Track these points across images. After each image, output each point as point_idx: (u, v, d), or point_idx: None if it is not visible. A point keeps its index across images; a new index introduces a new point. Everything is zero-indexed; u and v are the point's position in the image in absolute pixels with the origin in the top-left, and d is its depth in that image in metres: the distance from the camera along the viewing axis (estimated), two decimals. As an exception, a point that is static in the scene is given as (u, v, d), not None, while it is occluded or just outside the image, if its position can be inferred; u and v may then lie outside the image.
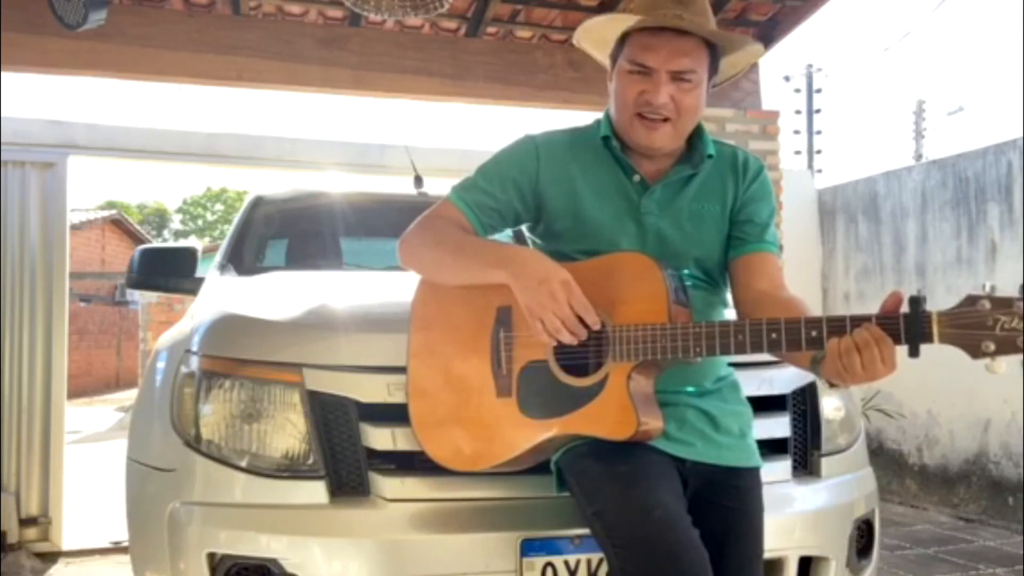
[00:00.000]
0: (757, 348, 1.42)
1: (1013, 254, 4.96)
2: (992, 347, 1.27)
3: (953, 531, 4.77)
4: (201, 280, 2.73)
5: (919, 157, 23.04)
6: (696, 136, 1.72)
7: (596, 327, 1.49)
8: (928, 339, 1.31)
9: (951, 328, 1.29)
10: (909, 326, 1.32)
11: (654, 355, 1.46)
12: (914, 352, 1.32)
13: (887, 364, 1.33)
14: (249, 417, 1.76)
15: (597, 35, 1.70)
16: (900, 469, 5.76)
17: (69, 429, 5.16)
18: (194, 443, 1.77)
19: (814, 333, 1.38)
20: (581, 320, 1.49)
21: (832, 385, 1.44)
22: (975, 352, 1.28)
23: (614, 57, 1.68)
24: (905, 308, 1.33)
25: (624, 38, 1.64)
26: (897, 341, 1.33)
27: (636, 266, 1.54)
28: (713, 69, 1.67)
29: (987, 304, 1.27)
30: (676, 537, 1.41)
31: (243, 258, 2.94)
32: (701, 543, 1.43)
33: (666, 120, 1.61)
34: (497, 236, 1.77)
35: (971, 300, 1.29)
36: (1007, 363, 1.28)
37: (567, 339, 1.49)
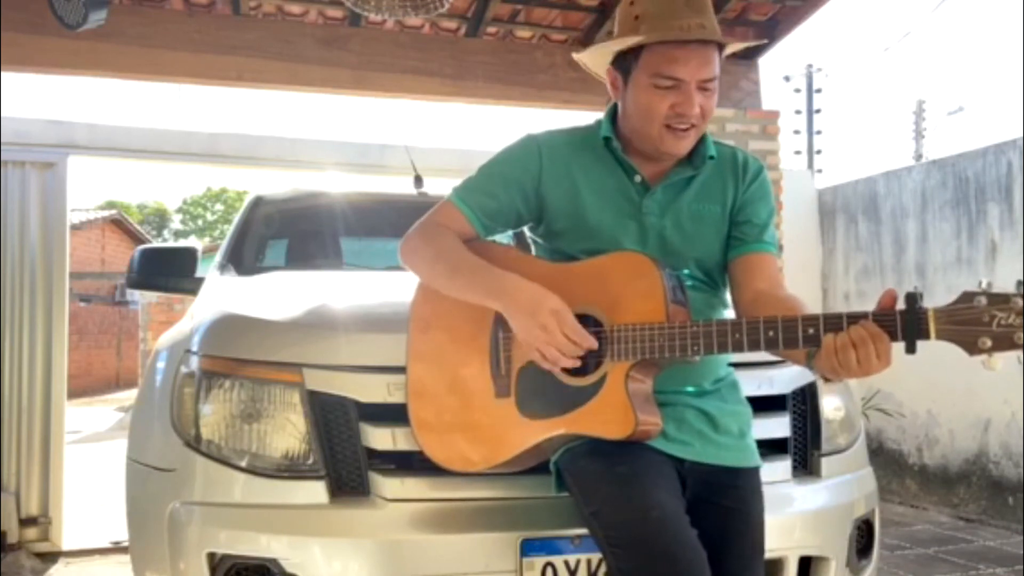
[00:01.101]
0: (754, 346, 1.42)
1: (1013, 254, 4.96)
2: (989, 343, 1.27)
3: (953, 531, 4.77)
4: (201, 280, 2.73)
5: (919, 157, 23.04)
6: (701, 134, 1.72)
7: (593, 347, 1.50)
8: (925, 335, 1.31)
9: (947, 324, 1.29)
10: (906, 323, 1.32)
11: (652, 354, 1.47)
12: (911, 349, 1.32)
13: (882, 360, 1.34)
14: (249, 417, 1.76)
15: (606, 52, 1.68)
16: (900, 469, 5.76)
17: (69, 429, 5.16)
18: (194, 443, 1.77)
19: (811, 331, 1.38)
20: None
21: (826, 379, 1.45)
22: (971, 348, 1.28)
23: (623, 68, 1.65)
24: (901, 305, 1.33)
25: (634, 49, 1.61)
26: (894, 338, 1.33)
27: (634, 265, 1.54)
28: None
29: (984, 300, 1.27)
30: (673, 537, 1.41)
31: (243, 258, 2.94)
32: (699, 543, 1.43)
33: (693, 126, 1.62)
34: (498, 237, 1.78)
35: (968, 296, 1.29)
36: (1004, 360, 1.28)
37: (568, 364, 1.51)
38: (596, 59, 1.72)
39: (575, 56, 1.77)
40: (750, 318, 1.44)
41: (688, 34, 1.56)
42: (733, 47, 1.67)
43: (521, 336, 1.53)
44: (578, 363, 1.51)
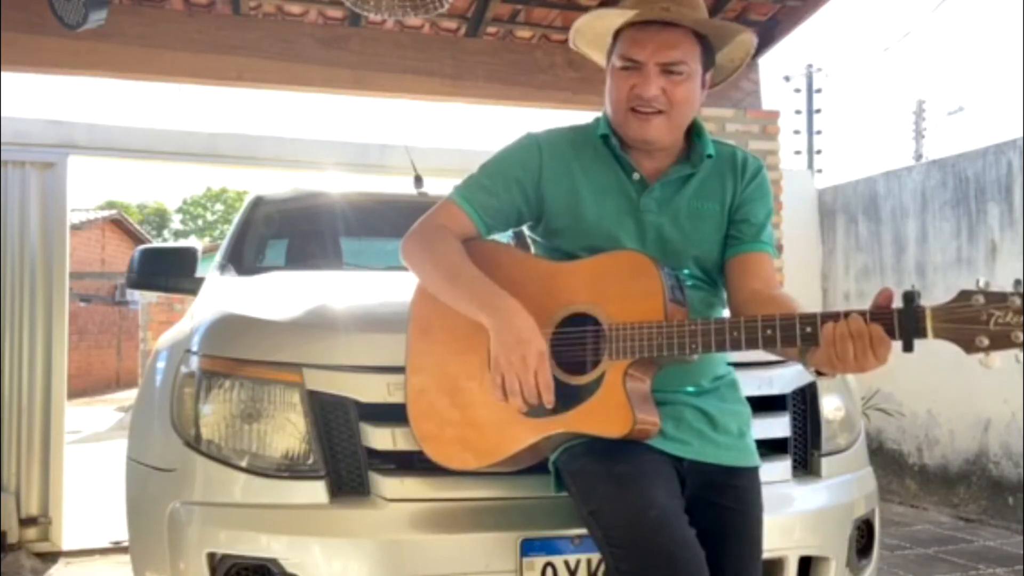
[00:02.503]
0: (752, 345, 1.42)
1: (1013, 254, 4.96)
2: (986, 342, 1.27)
3: (953, 531, 4.77)
4: (201, 280, 2.73)
5: (919, 157, 23.03)
6: (696, 135, 1.72)
7: (549, 406, 1.51)
8: (922, 334, 1.31)
9: (945, 323, 1.29)
10: (903, 321, 1.32)
11: (650, 353, 1.47)
12: (908, 347, 1.32)
13: (879, 358, 1.34)
14: (249, 417, 1.76)
15: (591, 34, 1.70)
16: (900, 469, 5.76)
17: (69, 429, 5.16)
18: (194, 443, 1.77)
19: (808, 330, 1.38)
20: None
21: (820, 374, 1.45)
22: (969, 347, 1.28)
23: (609, 55, 1.69)
24: (898, 303, 1.33)
25: (617, 35, 1.65)
26: (891, 336, 1.33)
27: (633, 264, 1.54)
28: (708, 63, 1.67)
29: (981, 299, 1.27)
30: (671, 536, 1.41)
31: (243, 258, 2.94)
32: (697, 542, 1.43)
33: (659, 112, 1.62)
34: (498, 235, 1.78)
35: (965, 295, 1.29)
36: (1001, 358, 1.28)
37: (515, 403, 1.52)
38: (595, 48, 1.74)
39: (571, 42, 1.78)
40: (748, 317, 1.44)
41: (648, 15, 1.57)
42: (734, 49, 1.67)
43: (496, 354, 1.53)
44: (524, 407, 1.52)
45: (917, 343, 1.32)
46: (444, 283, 1.65)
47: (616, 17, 1.63)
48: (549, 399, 1.50)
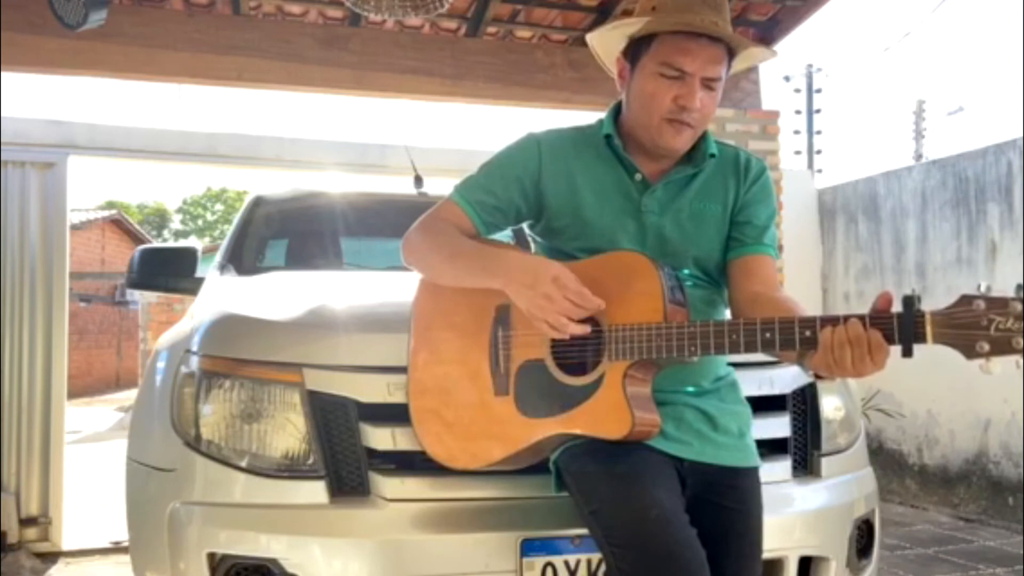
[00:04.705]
0: (751, 348, 1.42)
1: (1013, 254, 4.96)
2: (987, 347, 1.26)
3: (953, 531, 4.77)
4: (201, 280, 2.73)
5: (919, 157, 23.02)
6: (699, 136, 1.72)
7: (600, 307, 1.49)
8: (922, 339, 1.30)
9: (945, 328, 1.29)
10: (903, 326, 1.31)
11: (650, 354, 1.47)
12: (907, 352, 1.31)
13: (876, 364, 1.34)
14: (249, 417, 1.76)
15: (619, 34, 1.67)
16: (900, 469, 5.76)
17: (69, 429, 5.16)
18: (194, 443, 1.78)
19: (807, 333, 1.38)
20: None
21: (818, 377, 1.45)
22: (969, 352, 1.27)
23: (633, 56, 1.65)
24: (899, 307, 1.33)
25: (647, 37, 1.62)
26: (891, 341, 1.33)
27: (632, 265, 1.54)
28: None
29: (982, 304, 1.27)
30: (672, 536, 1.41)
31: (243, 258, 2.94)
32: (698, 542, 1.44)
33: (690, 126, 1.62)
34: (498, 235, 1.78)
35: (966, 300, 1.28)
36: (1002, 364, 1.27)
37: (576, 330, 1.49)
38: (608, 44, 1.71)
39: (588, 37, 1.75)
40: (747, 319, 1.44)
41: (703, 28, 1.56)
42: (743, 61, 1.67)
43: (526, 310, 1.52)
44: (587, 329, 1.50)
45: (916, 347, 1.31)
46: (447, 264, 1.66)
47: (659, 23, 1.58)
48: (595, 304, 1.48)
